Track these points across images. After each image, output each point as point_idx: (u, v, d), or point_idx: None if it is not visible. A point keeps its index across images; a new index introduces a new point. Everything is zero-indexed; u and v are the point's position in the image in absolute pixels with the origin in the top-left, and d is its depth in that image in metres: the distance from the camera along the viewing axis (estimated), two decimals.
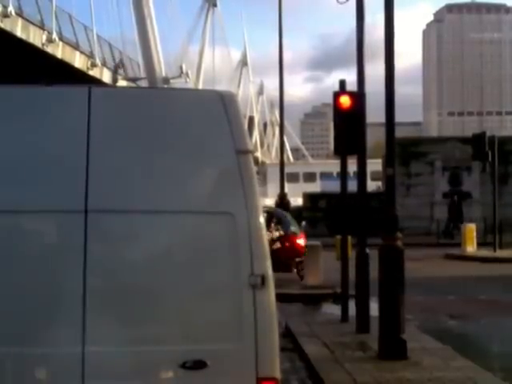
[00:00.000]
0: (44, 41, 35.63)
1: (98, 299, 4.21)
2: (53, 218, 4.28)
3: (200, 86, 64.46)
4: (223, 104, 4.48)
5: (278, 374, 4.41)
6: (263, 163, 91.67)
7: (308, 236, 22.07)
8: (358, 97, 11.63)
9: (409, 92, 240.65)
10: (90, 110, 4.36)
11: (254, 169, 4.55)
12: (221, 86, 69.79)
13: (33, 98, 4.45)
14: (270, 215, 20.59)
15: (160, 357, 4.26)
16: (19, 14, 33.40)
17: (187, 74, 55.15)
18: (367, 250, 11.91)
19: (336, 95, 11.60)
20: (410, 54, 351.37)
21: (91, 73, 42.00)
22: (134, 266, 4.32)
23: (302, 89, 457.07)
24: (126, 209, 4.31)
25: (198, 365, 4.23)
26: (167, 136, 4.46)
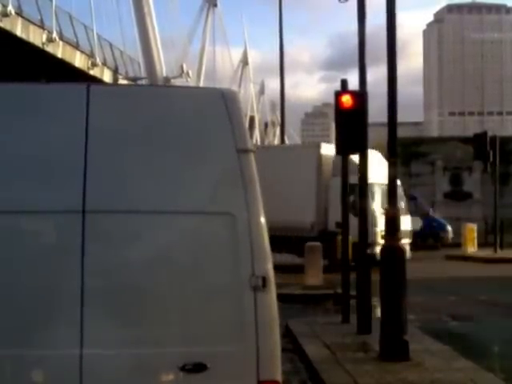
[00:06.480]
0: (44, 40, 35.58)
1: (97, 300, 4.14)
2: (50, 218, 4.20)
3: (201, 86, 64.32)
4: (224, 102, 4.40)
5: (279, 377, 4.33)
6: None
7: None
8: (360, 96, 11.59)
9: (409, 92, 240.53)
10: (88, 107, 4.28)
11: (255, 168, 4.48)
12: (221, 86, 69.65)
13: (31, 96, 4.38)
14: None
15: (159, 359, 4.19)
16: (19, 13, 33.34)
17: (188, 74, 55.06)
18: (368, 250, 11.89)
19: (338, 94, 11.56)
20: (410, 54, 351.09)
21: (92, 72, 41.93)
22: (133, 266, 4.24)
23: (316, 89, 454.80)
24: (125, 209, 4.23)
25: (198, 367, 4.15)
26: (167, 134, 4.38)
